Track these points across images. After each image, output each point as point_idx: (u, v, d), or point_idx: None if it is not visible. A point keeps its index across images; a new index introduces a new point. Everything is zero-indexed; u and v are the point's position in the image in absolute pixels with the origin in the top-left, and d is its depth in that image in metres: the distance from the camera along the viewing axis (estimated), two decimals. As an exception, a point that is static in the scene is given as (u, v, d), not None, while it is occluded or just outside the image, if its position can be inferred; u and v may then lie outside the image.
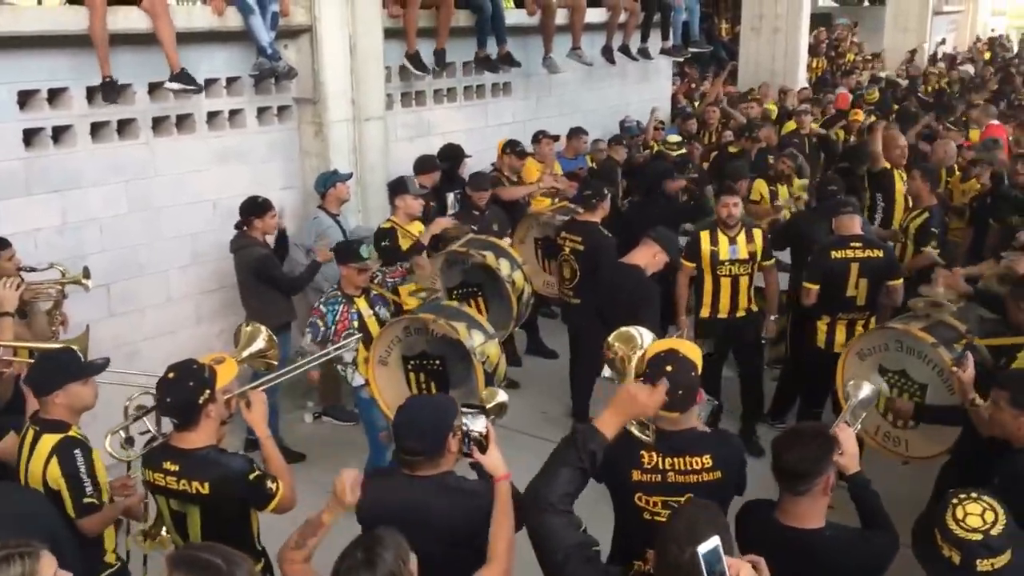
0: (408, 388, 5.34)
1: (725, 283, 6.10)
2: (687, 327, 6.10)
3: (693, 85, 13.86)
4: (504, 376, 5.52)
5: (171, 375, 3.36)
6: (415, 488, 3.03)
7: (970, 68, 16.43)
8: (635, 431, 3.16)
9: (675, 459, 3.13)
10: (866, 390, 3.67)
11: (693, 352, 3.19)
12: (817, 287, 5.71)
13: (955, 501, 2.41)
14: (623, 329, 3.68)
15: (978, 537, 2.34)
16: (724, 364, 6.40)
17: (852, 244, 5.66)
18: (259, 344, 4.12)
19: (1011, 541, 2.36)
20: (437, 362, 5.30)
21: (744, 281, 6.12)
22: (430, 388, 5.31)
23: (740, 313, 6.18)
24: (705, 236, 6.12)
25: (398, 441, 3.08)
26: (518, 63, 8.59)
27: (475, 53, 8.40)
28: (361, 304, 5.48)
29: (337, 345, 5.05)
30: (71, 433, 3.56)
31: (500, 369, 5.33)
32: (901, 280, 5.79)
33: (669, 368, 3.04)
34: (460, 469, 3.19)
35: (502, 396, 3.62)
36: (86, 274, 5.11)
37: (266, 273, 5.99)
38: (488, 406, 3.46)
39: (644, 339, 3.55)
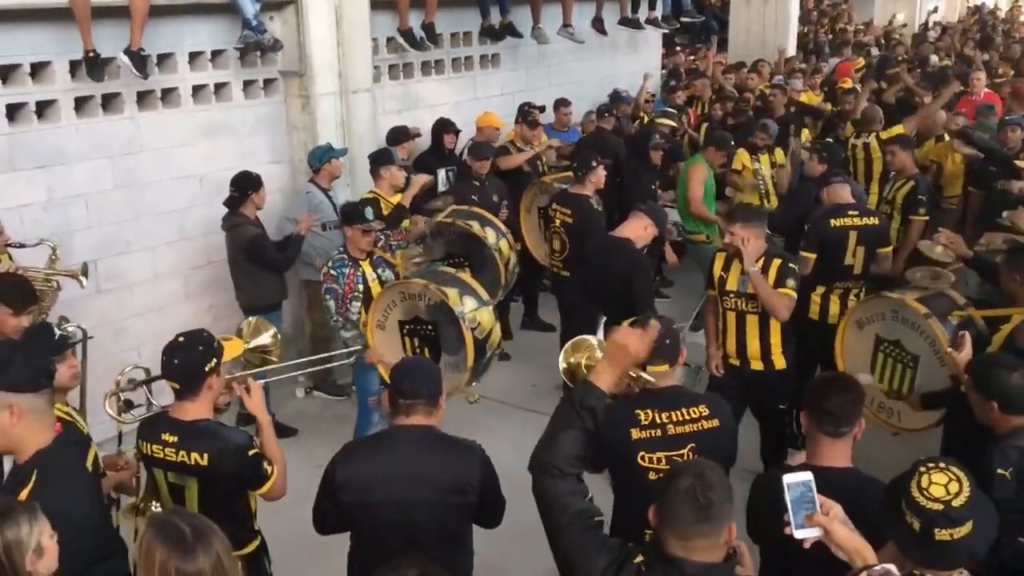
0: (404, 353, 5.38)
1: (730, 318, 5.09)
2: (717, 360, 5.23)
3: (692, 57, 13.77)
4: (498, 344, 5.53)
5: (181, 339, 3.36)
6: (405, 440, 3.12)
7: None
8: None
9: (671, 412, 3.23)
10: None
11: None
12: (815, 256, 5.64)
13: (922, 469, 2.41)
14: (583, 338, 3.64)
15: (939, 507, 2.34)
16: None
17: (850, 212, 5.67)
18: (264, 339, 4.07)
19: (973, 512, 2.36)
20: (429, 327, 5.33)
21: (752, 321, 5.02)
22: (423, 353, 5.35)
23: (755, 364, 5.09)
24: (720, 257, 5.18)
25: (397, 385, 3.15)
26: (520, 34, 8.57)
27: (480, 24, 8.40)
28: (366, 267, 5.55)
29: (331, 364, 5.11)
30: None
31: (494, 337, 5.33)
32: (891, 248, 5.80)
33: (654, 322, 3.11)
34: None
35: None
36: (84, 271, 5.03)
37: (259, 253, 5.97)
38: None
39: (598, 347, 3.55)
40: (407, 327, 5.38)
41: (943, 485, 2.37)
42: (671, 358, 3.29)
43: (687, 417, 3.22)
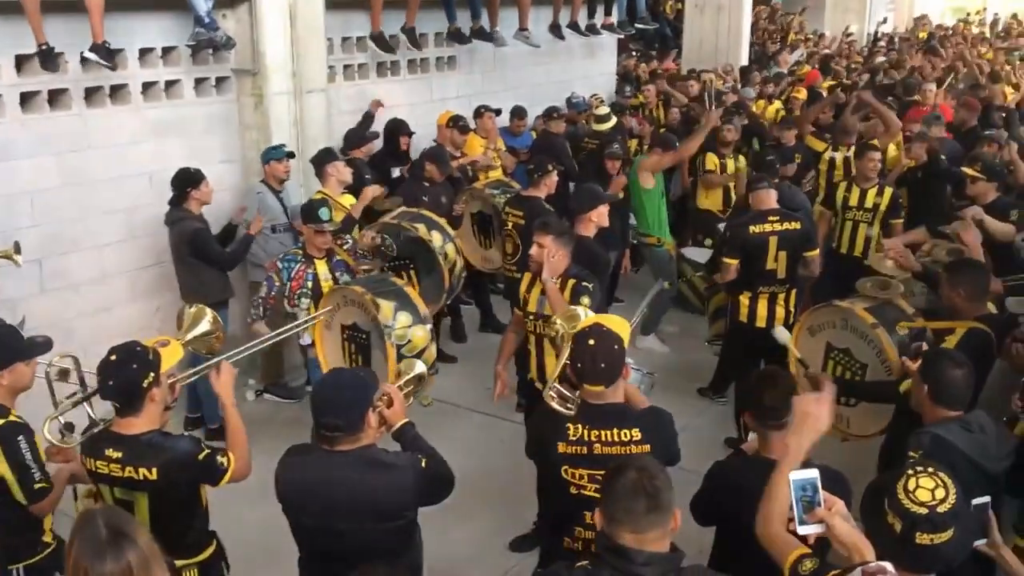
0: (342, 356, 5.35)
1: (531, 340, 4.84)
2: (501, 378, 4.98)
3: (645, 64, 13.84)
4: (432, 364, 5.46)
5: (113, 357, 3.23)
6: (333, 462, 3.02)
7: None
8: (556, 405, 3.21)
9: (601, 431, 3.18)
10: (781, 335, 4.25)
11: (619, 326, 3.29)
12: (736, 262, 5.79)
13: (911, 472, 2.41)
14: (570, 307, 3.71)
15: (923, 511, 2.34)
16: None
17: (769, 218, 5.77)
18: (204, 327, 3.97)
19: (955, 520, 2.36)
20: (364, 336, 5.30)
21: (548, 344, 4.66)
22: (358, 360, 5.32)
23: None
24: (527, 277, 4.86)
25: (316, 416, 3.06)
26: (490, 37, 8.59)
27: (447, 27, 8.42)
28: (320, 267, 5.53)
29: (291, 326, 5.09)
30: (11, 418, 3.46)
31: (427, 356, 5.21)
32: (817, 251, 5.90)
33: (591, 342, 3.13)
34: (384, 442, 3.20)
35: (419, 367, 3.64)
36: (17, 249, 4.95)
37: (201, 248, 5.89)
38: (405, 378, 3.52)
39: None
40: (346, 332, 5.35)
41: (930, 490, 2.37)
42: (608, 380, 3.19)
43: (616, 439, 3.17)
